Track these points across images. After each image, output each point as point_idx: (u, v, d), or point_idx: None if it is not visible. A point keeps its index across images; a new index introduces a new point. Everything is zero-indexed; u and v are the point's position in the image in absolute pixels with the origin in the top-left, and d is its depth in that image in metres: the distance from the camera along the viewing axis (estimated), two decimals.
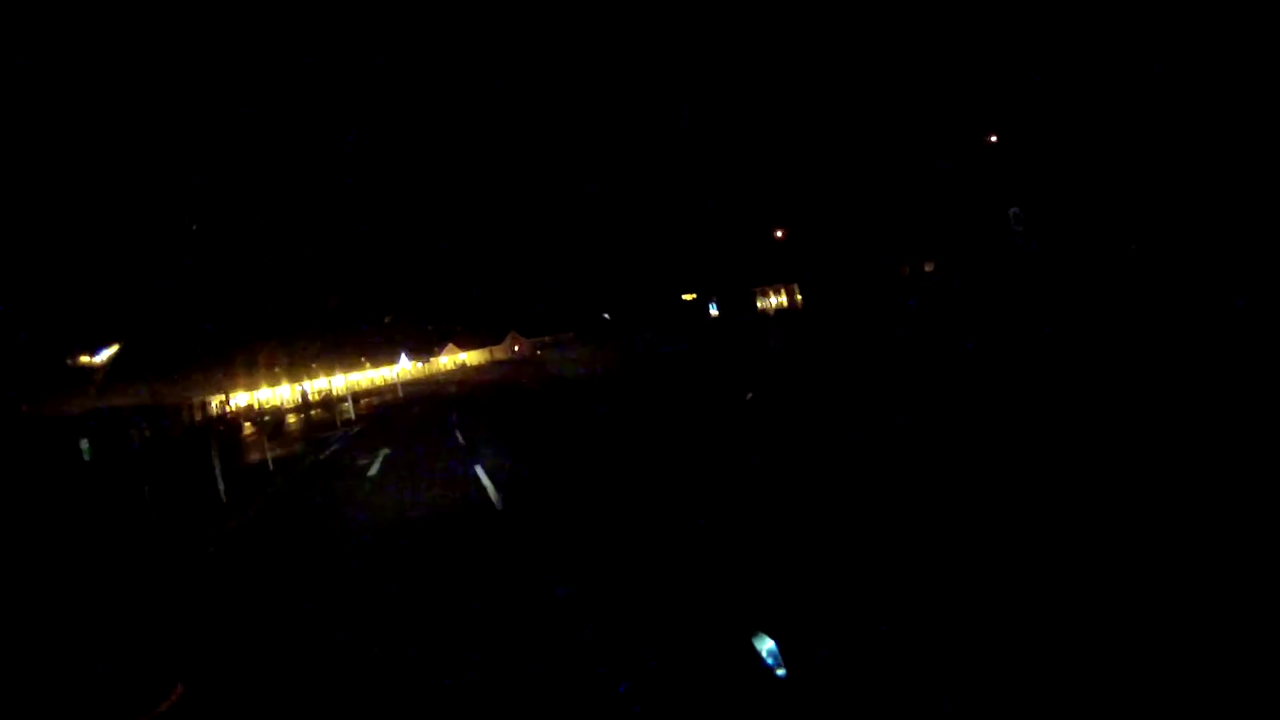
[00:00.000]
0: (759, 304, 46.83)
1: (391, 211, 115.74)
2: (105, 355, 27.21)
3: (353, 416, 32.94)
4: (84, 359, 26.47)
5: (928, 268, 36.11)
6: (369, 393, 70.04)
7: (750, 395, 13.36)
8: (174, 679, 4.98)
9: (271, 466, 17.16)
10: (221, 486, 13.72)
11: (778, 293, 44.41)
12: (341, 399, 38.55)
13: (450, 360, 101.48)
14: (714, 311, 56.31)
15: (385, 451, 16.51)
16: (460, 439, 16.38)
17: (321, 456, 18.63)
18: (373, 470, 13.98)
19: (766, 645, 3.53)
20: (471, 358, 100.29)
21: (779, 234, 43.74)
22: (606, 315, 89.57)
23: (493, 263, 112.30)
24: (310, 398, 55.64)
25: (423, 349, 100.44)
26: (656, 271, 65.48)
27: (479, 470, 11.26)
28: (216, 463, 14.48)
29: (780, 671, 3.43)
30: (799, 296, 44.66)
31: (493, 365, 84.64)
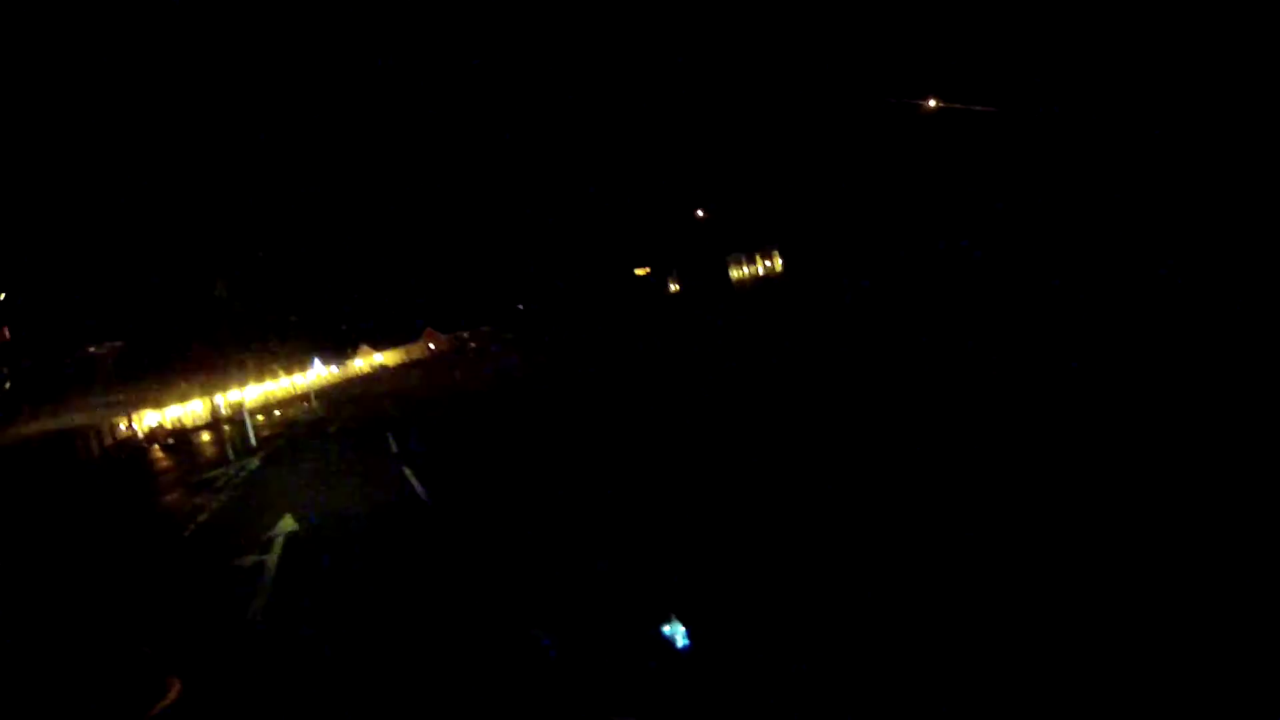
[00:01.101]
0: (733, 275, 40.85)
1: (296, 206, 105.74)
2: None
3: (254, 443, 25.09)
4: None
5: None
6: (281, 403, 60.50)
7: None
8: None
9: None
10: None
11: (768, 257, 38.31)
12: (237, 416, 30.21)
13: (366, 363, 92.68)
14: (674, 287, 50.40)
15: (288, 527, 9.47)
16: (418, 487, 9.60)
17: (185, 534, 11.37)
18: (256, 600, 7.04)
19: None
20: (389, 358, 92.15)
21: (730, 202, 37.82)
22: (521, 306, 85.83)
23: (401, 256, 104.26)
24: (224, 411, 48.03)
25: (337, 352, 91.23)
26: (591, 249, 59.17)
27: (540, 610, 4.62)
28: None
29: None
30: (779, 263, 38.93)
31: (413, 365, 76.32)
